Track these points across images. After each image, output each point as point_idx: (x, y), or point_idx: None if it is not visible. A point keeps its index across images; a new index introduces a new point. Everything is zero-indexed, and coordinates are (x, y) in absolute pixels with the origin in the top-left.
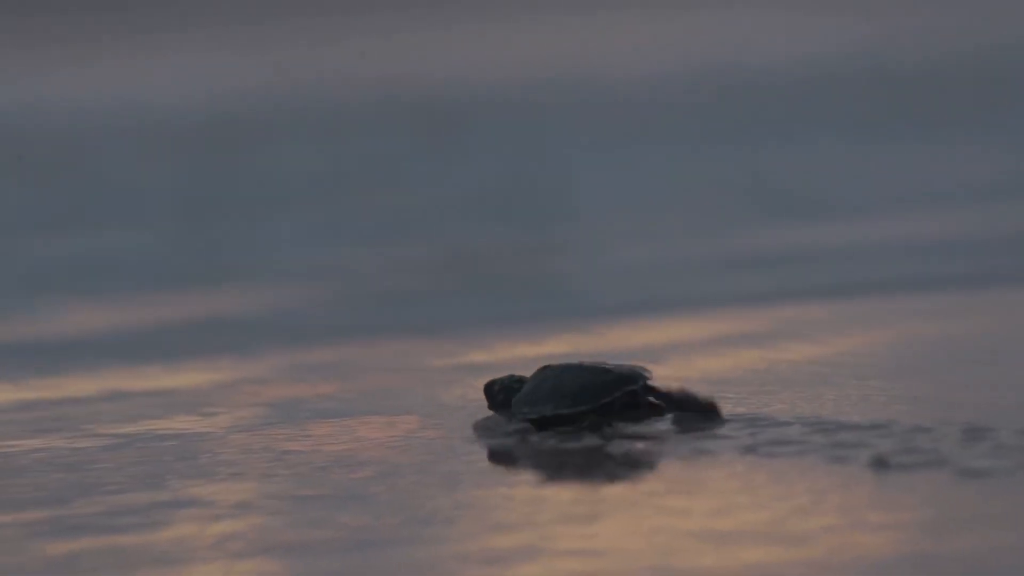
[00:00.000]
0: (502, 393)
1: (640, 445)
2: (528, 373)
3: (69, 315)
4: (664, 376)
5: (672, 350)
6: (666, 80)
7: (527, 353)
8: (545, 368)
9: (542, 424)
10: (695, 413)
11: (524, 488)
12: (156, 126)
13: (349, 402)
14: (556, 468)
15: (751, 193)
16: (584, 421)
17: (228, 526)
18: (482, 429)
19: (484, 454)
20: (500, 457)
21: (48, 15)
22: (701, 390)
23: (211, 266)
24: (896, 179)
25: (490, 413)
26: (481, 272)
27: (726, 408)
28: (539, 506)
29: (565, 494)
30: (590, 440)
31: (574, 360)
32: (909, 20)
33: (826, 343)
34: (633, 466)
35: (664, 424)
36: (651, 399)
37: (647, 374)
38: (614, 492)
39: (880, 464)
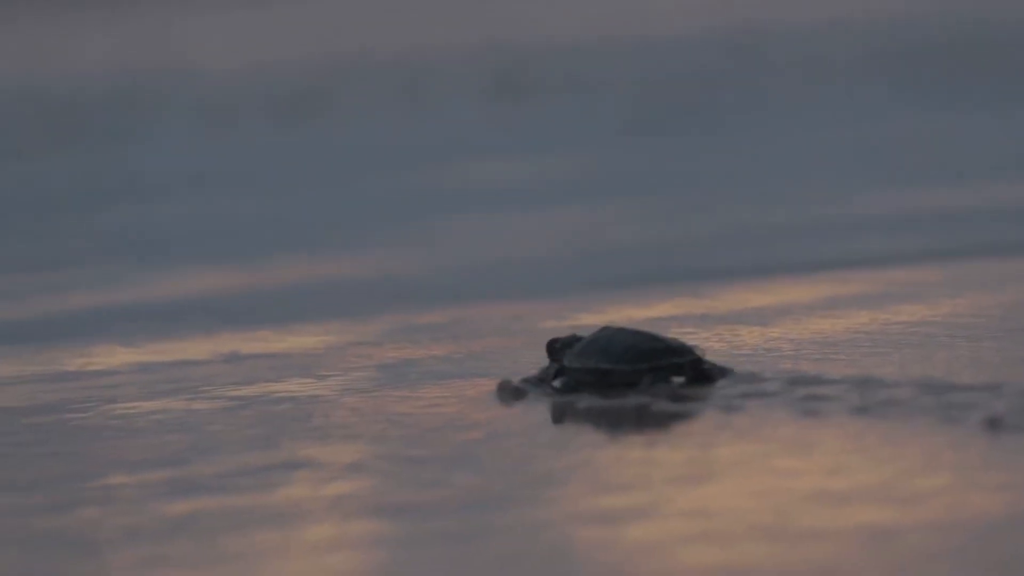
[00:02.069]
0: (563, 350)
1: (750, 407)
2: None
3: (183, 279)
4: (775, 338)
5: (784, 312)
6: (778, 38)
7: (636, 315)
8: (605, 328)
9: (583, 376)
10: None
11: (635, 449)
12: (253, 88)
13: (460, 364)
14: (666, 430)
15: (862, 156)
16: (627, 381)
17: (341, 487)
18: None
19: (592, 415)
20: (609, 419)
21: None
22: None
23: (322, 229)
24: (1009, 142)
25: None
26: (592, 235)
27: (837, 370)
28: (651, 467)
29: (677, 455)
30: (698, 404)
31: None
32: None
33: (937, 305)
34: (743, 428)
35: (772, 385)
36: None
37: (699, 352)
38: (725, 453)
39: (993, 425)
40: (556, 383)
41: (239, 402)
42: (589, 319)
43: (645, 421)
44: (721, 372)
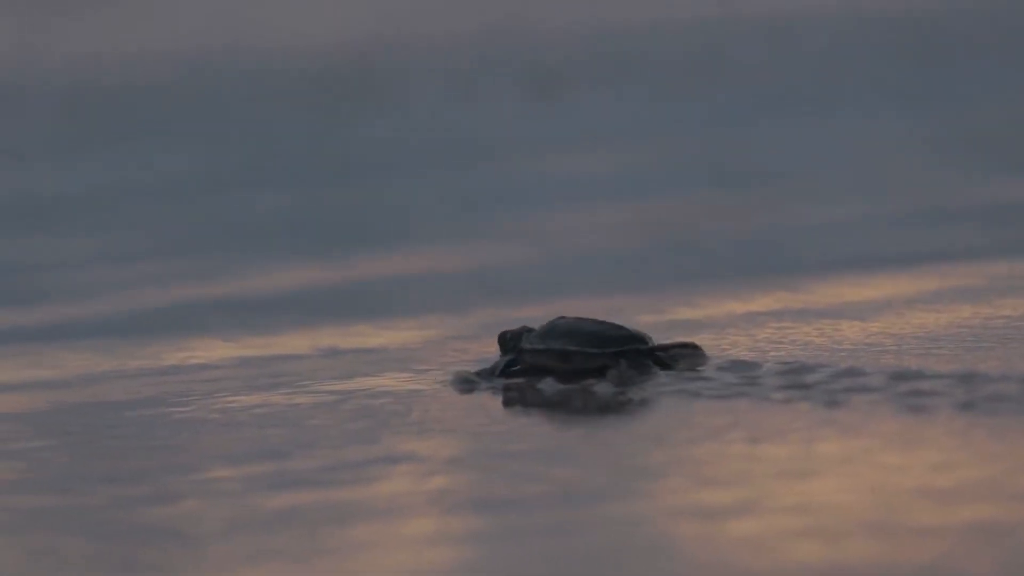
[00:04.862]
0: (513, 340)
1: (852, 402)
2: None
3: (280, 273)
4: (876, 333)
5: (884, 306)
6: (864, 26)
7: (735, 310)
8: (560, 317)
9: (544, 358)
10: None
11: (736, 444)
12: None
13: None
14: (765, 425)
15: (962, 146)
16: (579, 365)
17: (441, 481)
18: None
19: (691, 410)
20: (708, 414)
21: None
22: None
23: (417, 223)
24: None
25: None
26: (683, 227)
27: (941, 365)
28: (753, 462)
29: (779, 450)
30: (798, 402)
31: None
32: None
33: None
34: (846, 423)
35: (874, 380)
36: (655, 361)
37: (653, 341)
38: (829, 449)
39: None
40: (497, 368)
41: (338, 396)
42: (687, 313)
43: (743, 416)
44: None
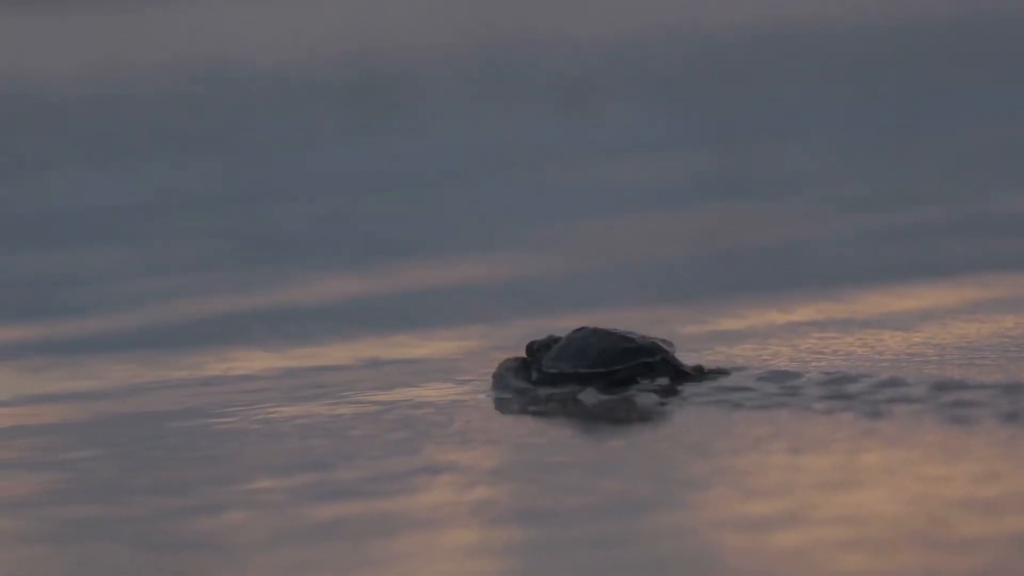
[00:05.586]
0: (540, 351)
1: (895, 412)
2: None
3: (321, 283)
4: (918, 343)
5: (926, 316)
6: (896, 34)
7: (777, 320)
8: (580, 329)
9: (559, 379)
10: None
11: (779, 456)
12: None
13: None
14: (807, 435)
15: (1002, 154)
16: (596, 383)
17: (484, 492)
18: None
19: (732, 420)
20: (750, 425)
21: None
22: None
23: (455, 233)
24: None
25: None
26: (723, 238)
27: (985, 375)
28: (796, 473)
29: (821, 461)
30: (840, 412)
31: (609, 327)
32: None
33: None
34: (889, 433)
35: (917, 390)
36: (666, 372)
37: (668, 348)
38: (871, 459)
39: None
40: (532, 379)
41: (380, 407)
42: (729, 323)
43: (784, 427)
44: (699, 371)
